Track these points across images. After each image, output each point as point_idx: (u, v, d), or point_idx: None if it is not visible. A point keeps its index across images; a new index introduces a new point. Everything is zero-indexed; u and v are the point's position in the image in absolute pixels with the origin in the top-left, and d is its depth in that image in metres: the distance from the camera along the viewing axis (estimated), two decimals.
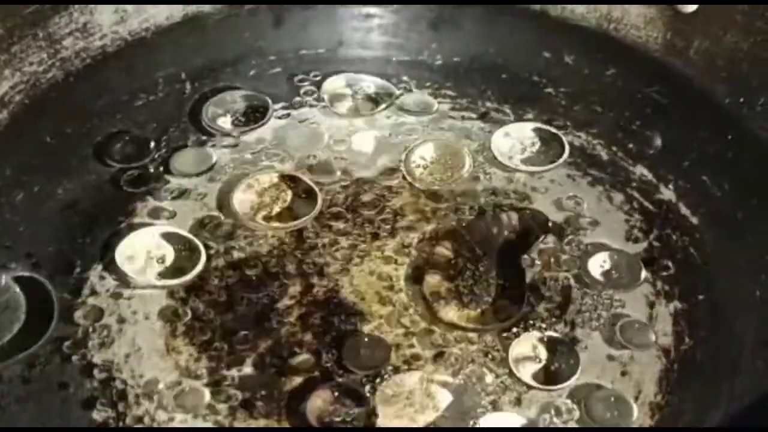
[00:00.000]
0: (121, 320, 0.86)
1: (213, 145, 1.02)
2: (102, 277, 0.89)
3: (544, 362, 0.83)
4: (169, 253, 0.91)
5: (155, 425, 0.79)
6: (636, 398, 0.82)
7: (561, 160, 0.99)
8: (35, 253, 0.90)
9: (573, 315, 0.87)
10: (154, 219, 0.95)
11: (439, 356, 0.84)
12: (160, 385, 0.82)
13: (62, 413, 0.80)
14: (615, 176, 1.00)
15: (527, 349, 0.84)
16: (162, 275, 0.89)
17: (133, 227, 0.92)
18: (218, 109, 1.04)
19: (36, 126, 0.99)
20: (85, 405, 0.80)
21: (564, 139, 1.02)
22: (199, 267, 0.89)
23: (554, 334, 0.85)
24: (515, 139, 1.02)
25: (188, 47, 1.09)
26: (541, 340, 0.84)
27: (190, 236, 0.91)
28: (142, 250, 0.90)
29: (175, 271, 0.89)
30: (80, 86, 1.03)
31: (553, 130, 1.02)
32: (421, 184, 0.98)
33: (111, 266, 0.89)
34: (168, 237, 0.91)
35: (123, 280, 0.88)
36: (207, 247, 0.91)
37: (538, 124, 1.03)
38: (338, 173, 1.00)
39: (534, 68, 1.10)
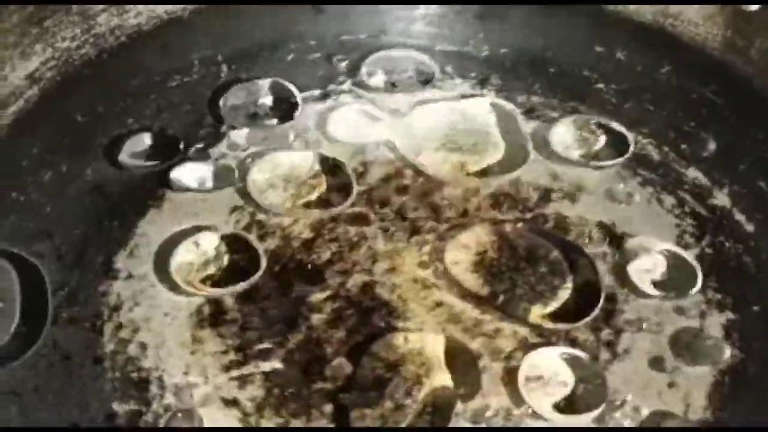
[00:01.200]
0: (147, 308, 0.83)
1: (227, 155, 0.96)
2: (128, 264, 0.86)
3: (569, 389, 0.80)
4: (225, 259, 0.87)
5: (176, 420, 0.76)
6: (684, 412, 0.78)
7: (622, 158, 0.95)
8: (60, 234, 0.88)
9: (619, 322, 0.83)
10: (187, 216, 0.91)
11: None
12: (183, 379, 0.79)
13: (80, 404, 0.77)
14: (666, 178, 0.95)
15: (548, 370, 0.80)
16: (214, 281, 0.86)
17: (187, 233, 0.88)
18: (241, 100, 1.00)
19: (67, 104, 0.96)
20: (106, 396, 0.77)
21: (629, 136, 0.96)
22: (256, 277, 0.84)
23: (580, 355, 0.81)
24: (572, 132, 0.99)
25: (226, 29, 1.05)
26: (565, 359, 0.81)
27: (256, 244, 0.87)
28: (200, 257, 0.87)
29: (226, 275, 0.86)
30: (114, 64, 1.00)
31: (617, 127, 0.97)
32: (466, 176, 0.95)
33: (159, 264, 0.86)
34: (228, 240, 0.87)
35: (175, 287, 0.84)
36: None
37: (602, 119, 0.98)
38: (377, 161, 0.96)
39: (584, 63, 1.05)
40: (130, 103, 0.99)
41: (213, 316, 0.83)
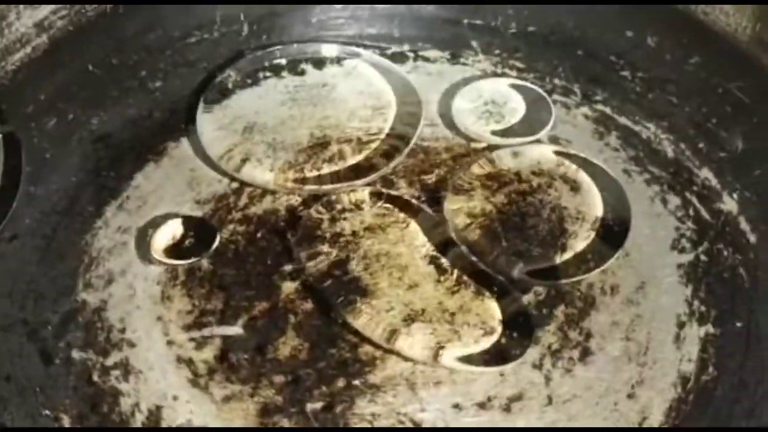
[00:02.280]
0: (125, 261, 0.85)
1: None
2: (116, 215, 0.88)
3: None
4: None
5: (131, 373, 0.77)
6: (639, 424, 0.75)
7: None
8: (56, 180, 0.90)
9: (591, 324, 0.80)
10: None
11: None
12: (143, 335, 0.80)
13: (43, 349, 0.79)
14: (676, 177, 0.91)
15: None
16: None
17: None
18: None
19: (79, 53, 0.97)
20: (67, 344, 0.79)
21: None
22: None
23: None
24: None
25: None
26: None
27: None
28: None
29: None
30: (130, 17, 1.00)
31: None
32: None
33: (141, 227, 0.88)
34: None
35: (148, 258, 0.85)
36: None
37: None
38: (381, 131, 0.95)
39: (613, 47, 1.00)
40: (145, 57, 1.00)
41: (186, 275, 0.84)
